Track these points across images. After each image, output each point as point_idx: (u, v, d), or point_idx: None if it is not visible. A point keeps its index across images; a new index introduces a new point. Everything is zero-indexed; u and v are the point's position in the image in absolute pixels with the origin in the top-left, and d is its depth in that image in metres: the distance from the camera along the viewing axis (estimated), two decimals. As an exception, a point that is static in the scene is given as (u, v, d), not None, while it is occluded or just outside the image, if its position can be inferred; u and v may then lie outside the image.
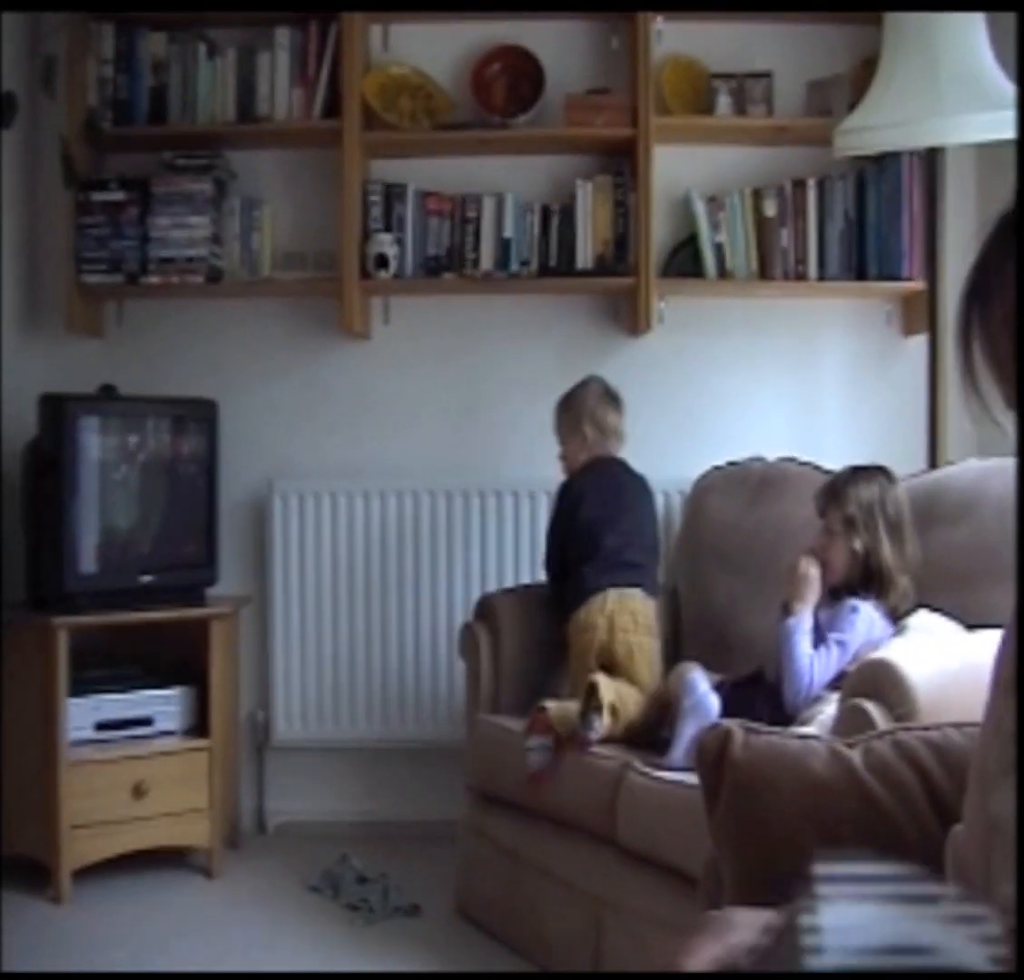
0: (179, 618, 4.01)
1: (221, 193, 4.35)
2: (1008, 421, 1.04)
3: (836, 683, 2.89)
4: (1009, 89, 3.41)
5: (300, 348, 4.50)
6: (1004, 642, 1.23)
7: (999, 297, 0.99)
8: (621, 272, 4.23)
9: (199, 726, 4.06)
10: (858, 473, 3.19)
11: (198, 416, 4.19)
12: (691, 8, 4.27)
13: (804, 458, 3.80)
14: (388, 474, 4.43)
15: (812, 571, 3.13)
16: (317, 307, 4.42)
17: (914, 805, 1.58)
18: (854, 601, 3.06)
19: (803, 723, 2.85)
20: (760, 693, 3.11)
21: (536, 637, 3.70)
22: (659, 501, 4.17)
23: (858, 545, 3.10)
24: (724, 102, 4.31)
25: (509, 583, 4.25)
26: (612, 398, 3.80)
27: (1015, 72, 2.54)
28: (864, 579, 3.09)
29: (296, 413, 4.49)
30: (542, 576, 3.84)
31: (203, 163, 4.33)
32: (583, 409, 3.77)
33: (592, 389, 3.81)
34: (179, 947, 3.43)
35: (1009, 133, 3.34)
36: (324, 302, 4.36)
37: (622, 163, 4.29)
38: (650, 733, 3.26)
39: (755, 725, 1.70)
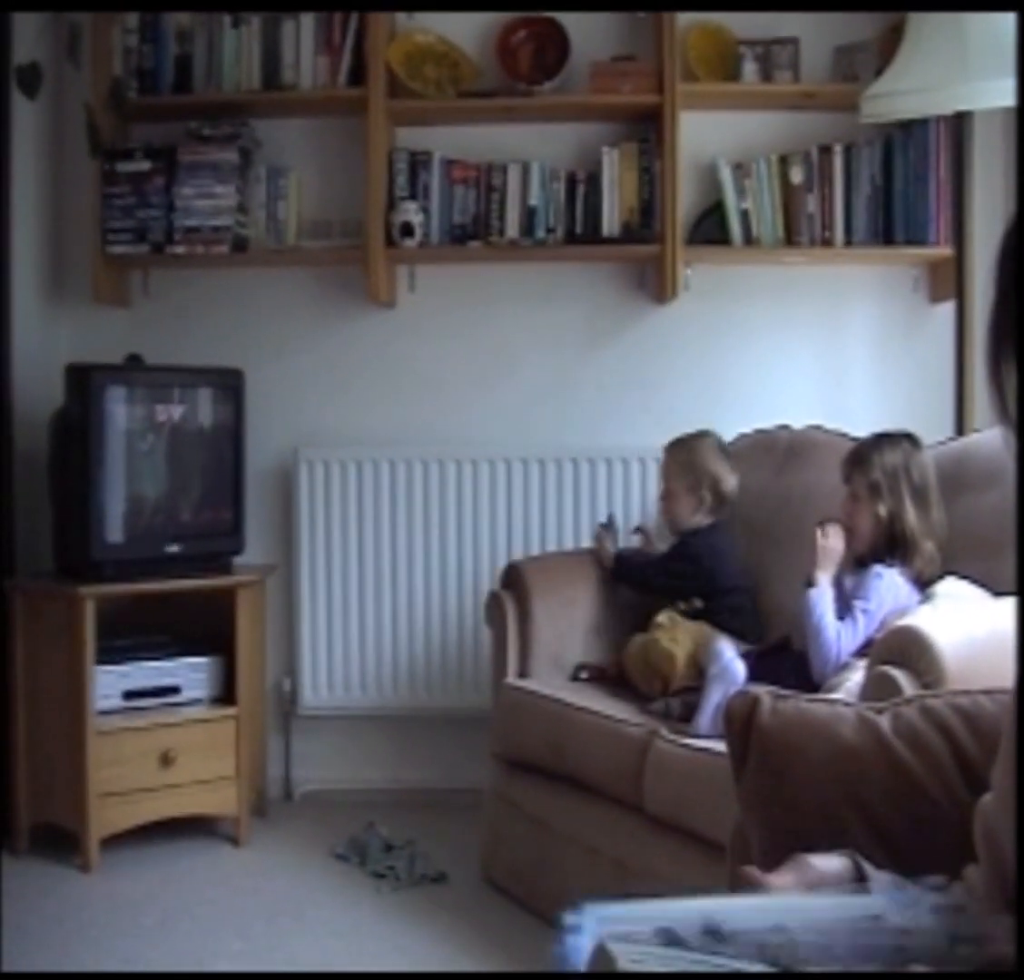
0: (206, 587, 4.02)
1: (247, 162, 4.35)
2: None
3: (863, 650, 2.89)
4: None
5: (325, 317, 4.49)
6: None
7: None
8: (647, 239, 4.21)
9: (226, 694, 4.07)
10: (883, 439, 3.19)
11: (224, 385, 4.19)
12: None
13: (831, 425, 3.79)
14: (414, 442, 4.42)
15: (832, 541, 3.13)
16: (343, 276, 4.42)
17: (943, 771, 1.57)
18: (879, 568, 3.06)
19: (830, 690, 2.85)
20: (787, 661, 3.12)
21: (563, 604, 3.70)
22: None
23: (883, 511, 3.10)
24: (750, 68, 4.28)
25: (535, 551, 4.25)
26: (728, 456, 3.72)
27: (1015, 72, 2.52)
28: (889, 545, 3.09)
29: (322, 382, 4.49)
30: (568, 543, 3.83)
31: (228, 132, 4.32)
32: (704, 472, 3.67)
33: (710, 446, 3.72)
34: (206, 914, 3.45)
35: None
36: (350, 271, 4.35)
37: (648, 130, 4.26)
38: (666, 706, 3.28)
39: (782, 691, 1.69)
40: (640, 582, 3.70)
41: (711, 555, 3.60)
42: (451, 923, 3.39)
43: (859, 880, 1.22)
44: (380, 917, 3.43)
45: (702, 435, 3.75)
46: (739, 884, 1.65)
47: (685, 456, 3.70)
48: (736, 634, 3.38)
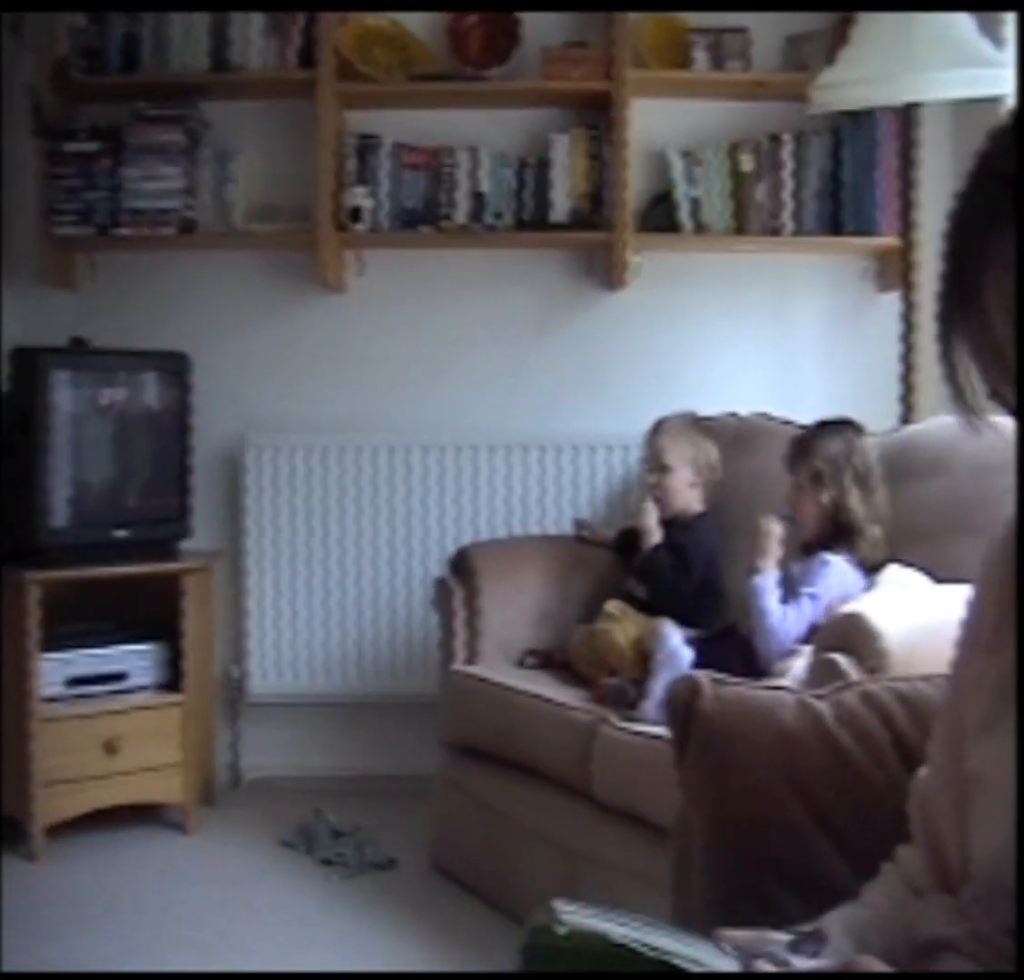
0: (152, 572, 3.99)
1: (194, 144, 4.30)
2: (989, 407, 1.03)
3: (809, 637, 2.91)
4: (984, 48, 3.39)
5: (274, 301, 4.47)
6: (976, 599, 1.24)
7: (992, 289, 0.98)
8: (597, 226, 4.21)
9: (173, 681, 4.04)
10: (825, 427, 3.22)
11: (171, 369, 4.17)
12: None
13: (779, 413, 3.81)
14: (363, 428, 4.41)
15: (774, 529, 3.16)
16: (292, 260, 4.39)
17: (882, 756, 1.58)
18: (826, 555, 3.09)
19: (776, 676, 2.87)
20: (733, 647, 3.14)
21: (512, 590, 3.70)
22: (634, 456, 4.18)
23: (827, 499, 3.12)
24: (701, 57, 4.28)
25: (485, 536, 4.25)
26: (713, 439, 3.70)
27: (1015, 72, 2.53)
28: (835, 532, 3.12)
29: (270, 366, 4.47)
30: (517, 529, 3.83)
31: (176, 113, 4.28)
32: (703, 456, 3.63)
33: (702, 426, 3.70)
34: (154, 903, 3.43)
35: (984, 91, 3.33)
36: (299, 255, 4.33)
37: (599, 117, 4.26)
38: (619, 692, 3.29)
39: (725, 676, 1.70)
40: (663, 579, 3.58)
41: (712, 544, 3.60)
42: (400, 910, 3.39)
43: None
44: (329, 905, 3.42)
45: (690, 414, 3.75)
46: (682, 883, 1.66)
47: (679, 436, 3.67)
48: (684, 620, 3.38)
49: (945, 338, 1.02)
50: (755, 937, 1.16)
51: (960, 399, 1.03)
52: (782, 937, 1.18)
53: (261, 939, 3.21)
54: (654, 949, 0.94)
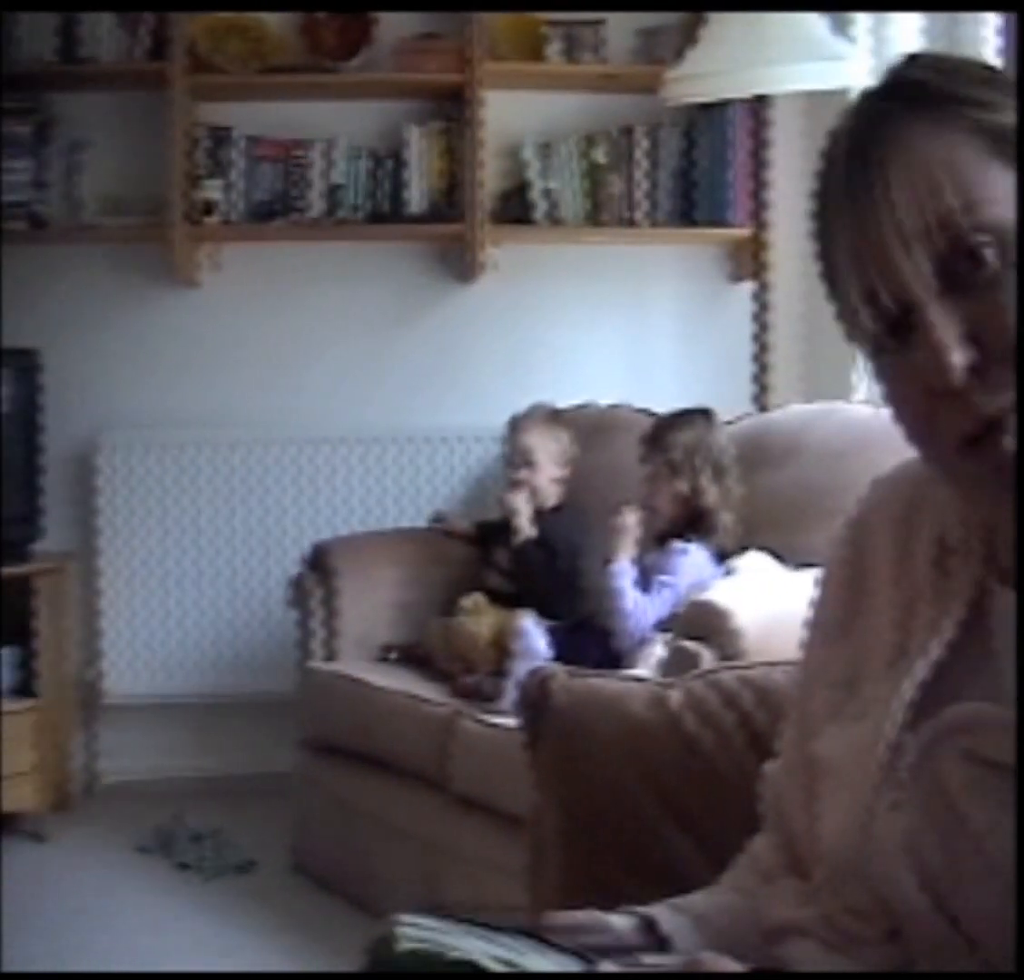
0: (3, 575, 3.89)
1: (43, 136, 4.20)
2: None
3: (666, 625, 2.93)
4: (833, 42, 3.44)
5: (127, 296, 4.38)
6: (823, 588, 1.24)
7: (896, 166, 0.99)
8: (452, 218, 4.21)
9: (26, 686, 3.95)
10: (678, 417, 3.25)
11: (18, 366, 4.08)
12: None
13: (636, 403, 3.83)
14: (218, 424, 4.35)
15: (630, 519, 3.17)
16: (144, 254, 4.31)
17: (732, 744, 1.58)
18: (681, 544, 3.11)
19: (633, 665, 2.89)
20: (591, 637, 3.16)
21: (370, 584, 3.68)
22: (491, 449, 4.19)
23: (682, 487, 3.15)
24: (555, 49, 4.29)
25: (344, 531, 4.20)
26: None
27: (1015, 72, 2.57)
28: (690, 521, 3.15)
29: (123, 363, 4.38)
30: (375, 523, 3.81)
31: (24, 105, 4.17)
32: (565, 450, 3.63)
33: (563, 424, 3.68)
34: (8, 914, 3.33)
35: (833, 83, 3.38)
36: (151, 249, 4.25)
37: (454, 109, 4.25)
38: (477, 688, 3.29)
39: (576, 668, 1.70)
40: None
41: (574, 536, 3.59)
42: (260, 911, 3.36)
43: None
44: (187, 909, 3.38)
45: (549, 407, 3.75)
46: (536, 876, 1.66)
47: (547, 428, 3.66)
48: (543, 612, 3.39)
49: (825, 226, 1.04)
50: (586, 918, 1.15)
51: (833, 294, 1.04)
52: (614, 919, 1.17)
53: (119, 948, 3.15)
54: (496, 960, 0.93)
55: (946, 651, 1.07)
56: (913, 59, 1.05)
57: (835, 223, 1.02)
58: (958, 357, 0.95)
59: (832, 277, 1.03)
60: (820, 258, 1.04)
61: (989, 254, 0.96)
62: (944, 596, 1.09)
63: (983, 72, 1.03)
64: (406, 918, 0.96)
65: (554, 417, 3.71)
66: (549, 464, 3.62)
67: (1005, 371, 0.95)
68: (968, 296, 0.96)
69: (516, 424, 3.69)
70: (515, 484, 3.63)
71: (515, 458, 3.65)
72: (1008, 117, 0.98)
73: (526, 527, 3.56)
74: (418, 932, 0.95)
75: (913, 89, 1.01)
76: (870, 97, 1.03)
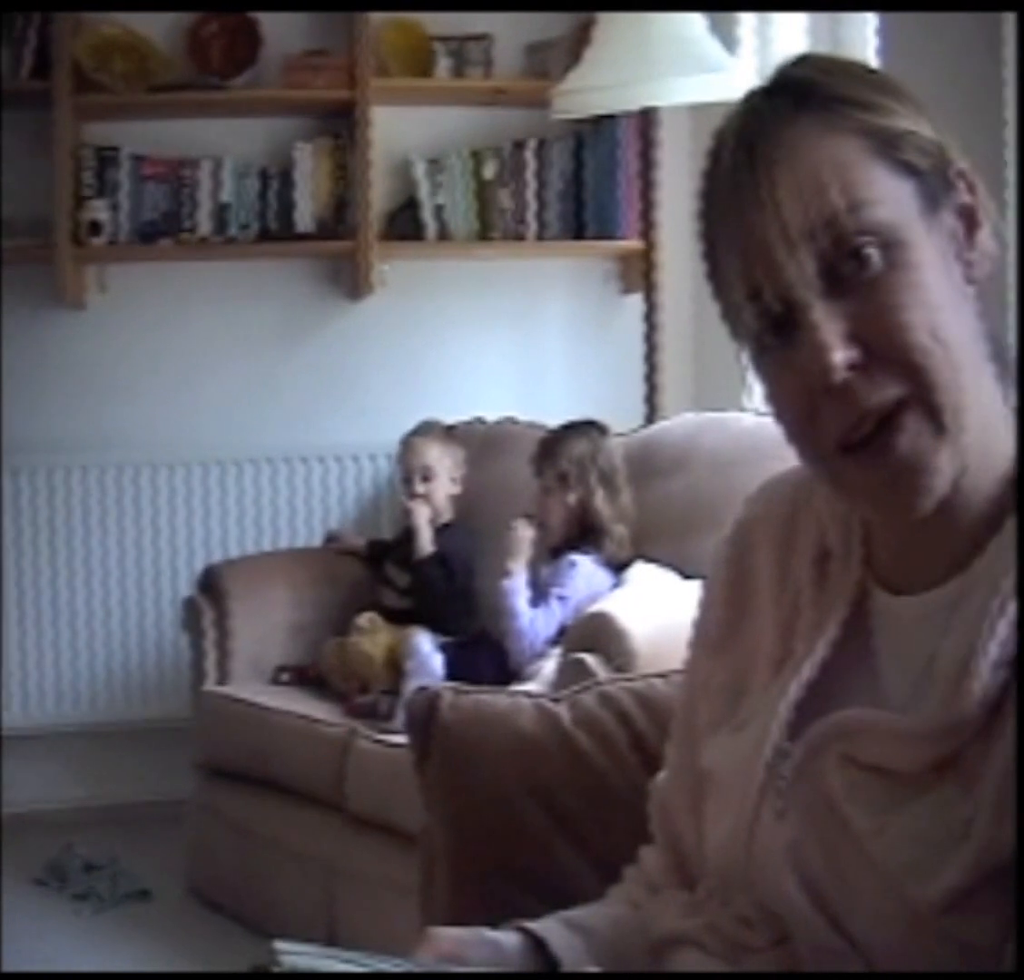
0: None
1: (-79, 156, 4.13)
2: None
3: (559, 638, 2.93)
4: (716, 52, 3.47)
5: (11, 319, 4.28)
6: (707, 594, 1.24)
7: (781, 165, 0.99)
8: (342, 235, 4.19)
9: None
10: (569, 430, 3.27)
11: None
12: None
13: (528, 417, 3.84)
14: (107, 447, 4.28)
15: (524, 532, 3.18)
16: (29, 275, 4.22)
17: (620, 756, 1.58)
18: (573, 556, 3.12)
19: (527, 679, 2.89)
20: (485, 652, 3.16)
21: (262, 606, 3.65)
22: (383, 466, 4.19)
23: (573, 499, 3.16)
24: (444, 64, 4.31)
25: (237, 553, 4.18)
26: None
27: (1015, 72, 2.59)
28: (582, 533, 3.16)
29: (7, 388, 4.29)
30: (267, 545, 3.78)
31: (-98, 125, 4.10)
32: (458, 465, 3.63)
33: (454, 439, 3.69)
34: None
35: (717, 95, 3.41)
36: (36, 270, 4.17)
37: (342, 125, 4.24)
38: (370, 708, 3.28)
39: (463, 685, 1.68)
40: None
41: (467, 550, 3.60)
42: (157, 941, 3.31)
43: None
44: (82, 941, 3.32)
45: (440, 423, 3.75)
46: (428, 894, 1.64)
47: (443, 439, 3.67)
48: (437, 628, 3.37)
49: (712, 229, 1.04)
50: (469, 934, 1.13)
51: (720, 288, 1.04)
52: (497, 936, 1.16)
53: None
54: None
55: (829, 652, 1.07)
56: (801, 60, 1.06)
57: (721, 222, 1.02)
58: (840, 355, 0.96)
59: (717, 276, 1.03)
60: (706, 258, 1.04)
61: (873, 255, 0.96)
62: (825, 599, 1.10)
63: (869, 75, 1.05)
64: (285, 946, 0.94)
65: (449, 433, 3.71)
66: (446, 480, 3.61)
67: (888, 369, 0.96)
68: (852, 296, 0.97)
69: (412, 440, 3.68)
70: (415, 498, 3.60)
71: (413, 474, 3.63)
72: (894, 121, 0.99)
73: (427, 543, 3.54)
74: (296, 960, 0.93)
75: (801, 88, 1.01)
76: (757, 95, 1.03)
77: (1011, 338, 1.09)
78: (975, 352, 1.00)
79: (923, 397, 0.96)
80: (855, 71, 1.04)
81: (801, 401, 0.99)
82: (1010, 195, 2.44)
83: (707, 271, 1.05)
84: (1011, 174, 2.52)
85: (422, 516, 3.55)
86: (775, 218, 0.97)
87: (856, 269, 0.97)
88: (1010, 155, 2.54)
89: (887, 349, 0.96)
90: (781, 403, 1.01)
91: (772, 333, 1.00)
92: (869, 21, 3.26)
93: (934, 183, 0.99)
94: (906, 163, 0.99)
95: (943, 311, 0.97)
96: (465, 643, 3.28)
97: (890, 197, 0.97)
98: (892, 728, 0.98)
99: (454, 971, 0.98)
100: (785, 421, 1.02)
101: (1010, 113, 2.54)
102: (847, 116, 0.99)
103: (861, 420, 0.96)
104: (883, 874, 0.95)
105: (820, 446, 1.00)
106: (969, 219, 1.01)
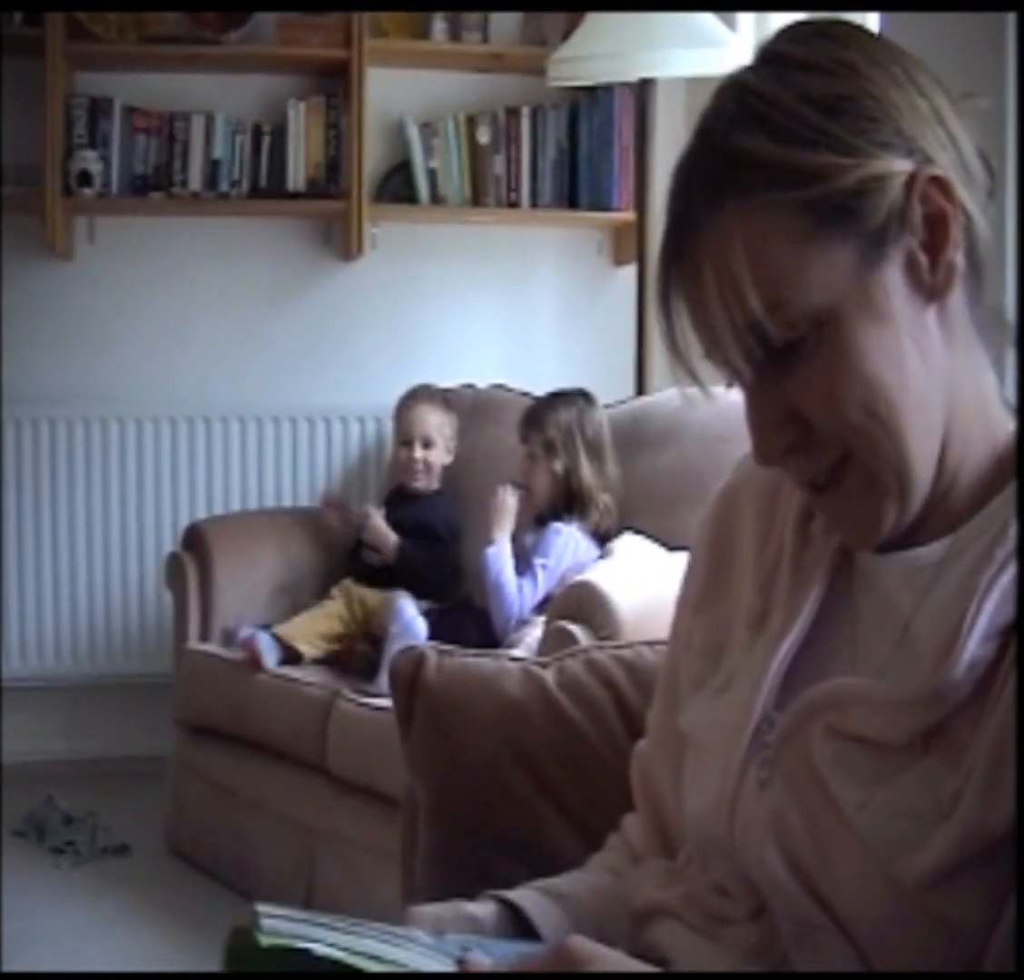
0: None
1: (-88, 103, 4.09)
2: (704, 367, 1.05)
3: (543, 606, 2.94)
4: (718, 27, 3.46)
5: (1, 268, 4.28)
6: (691, 557, 1.25)
7: (706, 261, 0.99)
8: (333, 195, 4.17)
9: None
10: (556, 398, 3.28)
11: None
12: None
13: (516, 385, 3.83)
14: (92, 400, 4.26)
15: (509, 500, 3.19)
16: (17, 225, 4.19)
17: (606, 722, 1.58)
18: (557, 524, 3.13)
19: (511, 647, 2.89)
20: (468, 618, 3.16)
21: (246, 565, 3.64)
22: (370, 428, 4.18)
23: (559, 468, 3.17)
24: (440, 27, 4.27)
25: (222, 510, 4.18)
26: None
27: (1015, 72, 2.57)
28: (567, 501, 3.16)
29: (-4, 337, 4.29)
30: (252, 503, 3.76)
31: None
32: (453, 432, 3.63)
33: (449, 405, 3.67)
34: None
35: (715, 69, 3.39)
36: (25, 219, 4.14)
37: (336, 85, 4.21)
38: (365, 660, 3.27)
39: (449, 647, 1.68)
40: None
41: (454, 517, 3.60)
42: (134, 895, 3.31)
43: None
44: (60, 894, 3.32)
45: (437, 387, 3.73)
46: (409, 857, 1.64)
47: (441, 405, 3.65)
48: (420, 593, 3.38)
49: (663, 297, 1.03)
50: (447, 911, 1.14)
51: (676, 355, 1.04)
52: (475, 909, 1.16)
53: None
54: (357, 954, 0.91)
55: (813, 613, 1.08)
56: (763, 60, 1.02)
57: (670, 295, 1.03)
58: (775, 442, 1.00)
59: (673, 336, 1.04)
60: (663, 317, 1.04)
61: (803, 340, 0.97)
62: (808, 558, 1.10)
63: (835, 79, 0.98)
64: (265, 908, 0.92)
65: (447, 401, 3.70)
66: (443, 449, 3.61)
67: (825, 441, 0.99)
68: (788, 375, 0.99)
69: (413, 405, 3.64)
70: (406, 462, 3.60)
71: (414, 440, 3.59)
72: (843, 177, 0.95)
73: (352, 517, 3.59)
74: (278, 924, 0.91)
75: (733, 164, 0.98)
76: (700, 153, 1.02)
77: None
78: (937, 388, 1.00)
79: (860, 461, 0.99)
80: (814, 107, 0.96)
81: (764, 456, 1.03)
82: (1009, 196, 2.44)
83: (663, 331, 1.05)
84: (1010, 173, 2.51)
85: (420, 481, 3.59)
86: (702, 315, 1.00)
87: (788, 351, 0.98)
88: (1010, 153, 2.53)
89: (822, 425, 0.98)
90: (753, 447, 1.04)
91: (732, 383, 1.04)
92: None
93: (886, 225, 0.97)
94: (850, 227, 0.96)
95: (884, 374, 0.97)
96: (449, 609, 3.28)
97: (820, 277, 0.96)
98: (879, 698, 0.99)
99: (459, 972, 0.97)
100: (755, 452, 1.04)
101: (1009, 114, 2.53)
102: (782, 198, 0.96)
103: (815, 474, 1.01)
104: (866, 848, 0.95)
105: (789, 477, 1.05)
106: (939, 228, 0.98)
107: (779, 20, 3.75)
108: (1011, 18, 2.68)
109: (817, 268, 0.96)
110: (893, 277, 0.97)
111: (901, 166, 0.96)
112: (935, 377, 0.99)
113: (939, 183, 0.97)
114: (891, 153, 0.96)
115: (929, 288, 0.98)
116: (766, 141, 0.96)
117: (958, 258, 0.98)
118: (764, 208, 0.96)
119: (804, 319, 0.96)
